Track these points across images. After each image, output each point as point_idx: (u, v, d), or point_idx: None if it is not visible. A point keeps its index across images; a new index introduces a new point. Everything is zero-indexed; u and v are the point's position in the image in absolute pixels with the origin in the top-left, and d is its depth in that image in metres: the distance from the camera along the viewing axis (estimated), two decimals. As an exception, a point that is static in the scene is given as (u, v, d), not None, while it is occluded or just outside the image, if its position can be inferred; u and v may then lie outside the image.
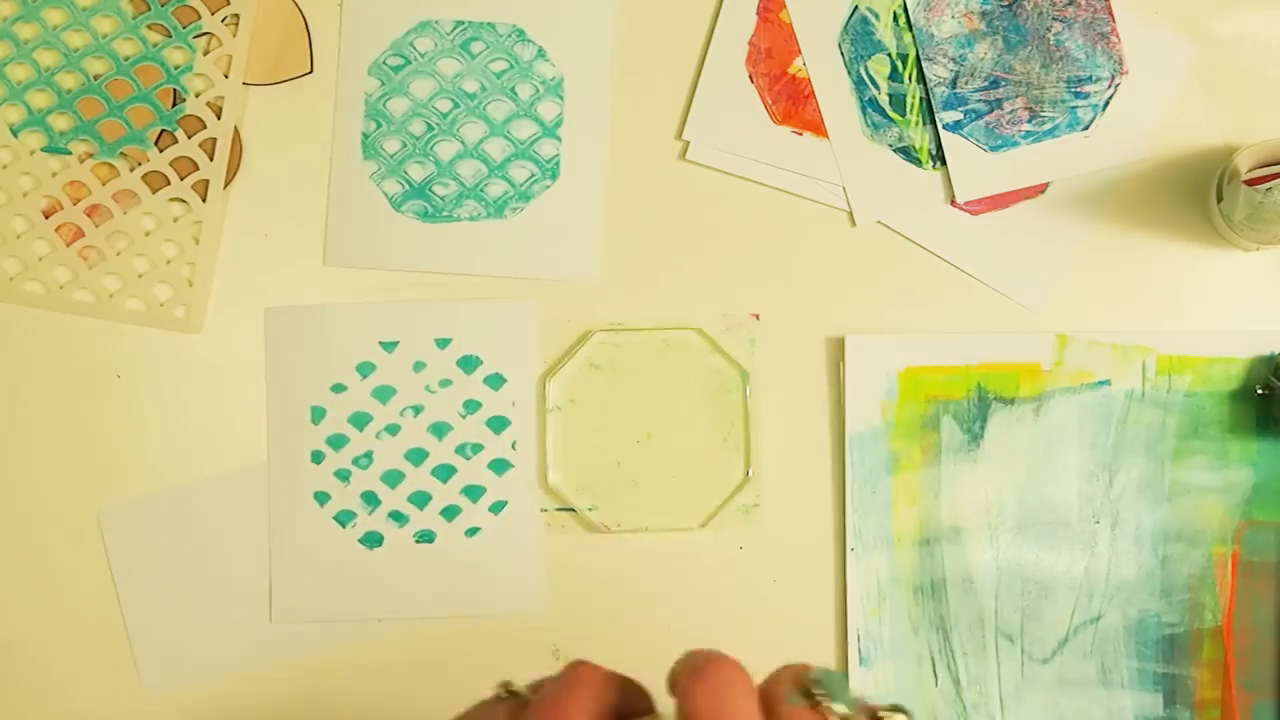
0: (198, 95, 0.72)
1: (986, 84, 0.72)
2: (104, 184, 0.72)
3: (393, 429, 0.71)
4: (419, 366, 0.72)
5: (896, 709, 0.48)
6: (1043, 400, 0.71)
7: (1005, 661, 0.70)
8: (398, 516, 0.71)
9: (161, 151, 0.72)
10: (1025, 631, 0.70)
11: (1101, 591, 0.70)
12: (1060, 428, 0.70)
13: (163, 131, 0.72)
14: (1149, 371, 0.70)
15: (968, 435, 0.71)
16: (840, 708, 0.49)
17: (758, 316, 0.72)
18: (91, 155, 0.72)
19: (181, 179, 0.72)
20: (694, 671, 0.47)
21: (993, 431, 0.71)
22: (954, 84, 0.72)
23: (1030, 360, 0.71)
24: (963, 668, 0.70)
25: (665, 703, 0.49)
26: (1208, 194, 0.70)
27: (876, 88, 0.72)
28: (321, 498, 0.71)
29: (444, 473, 0.71)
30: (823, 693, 0.49)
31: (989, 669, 0.70)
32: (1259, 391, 0.70)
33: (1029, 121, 0.72)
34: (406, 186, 0.73)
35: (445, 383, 0.72)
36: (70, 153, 0.72)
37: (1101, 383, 0.71)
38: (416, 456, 0.71)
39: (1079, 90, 0.71)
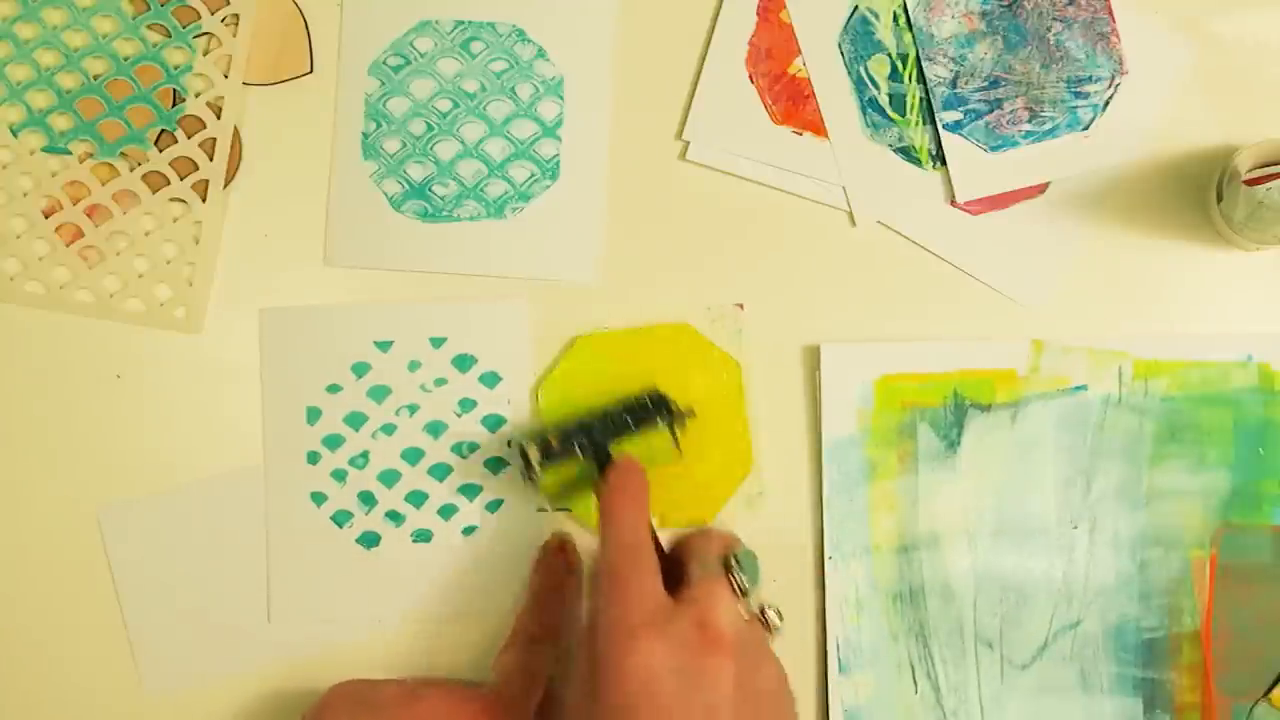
0: (198, 95, 0.73)
1: (986, 84, 0.71)
2: (104, 184, 0.72)
3: (389, 429, 0.71)
4: (414, 366, 0.72)
5: (778, 613, 0.59)
6: (1019, 406, 0.70)
7: (985, 668, 0.70)
8: (395, 516, 0.71)
9: (161, 151, 0.72)
10: (1004, 638, 0.70)
11: (1080, 597, 0.70)
12: (1037, 434, 0.70)
13: (163, 131, 0.72)
14: (1125, 376, 0.70)
15: (944, 442, 0.70)
16: (750, 592, 0.59)
17: (742, 306, 0.72)
18: (91, 155, 0.72)
19: (181, 179, 0.72)
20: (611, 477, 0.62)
21: (969, 438, 0.70)
22: (954, 84, 0.71)
23: (1006, 366, 0.70)
24: (942, 675, 0.70)
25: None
26: (1208, 194, 0.70)
27: (876, 88, 0.72)
28: (318, 498, 0.71)
29: (440, 472, 0.71)
30: (741, 574, 0.56)
31: (969, 676, 0.70)
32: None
33: (1029, 121, 0.71)
34: (406, 186, 0.73)
35: (440, 382, 0.72)
36: (70, 153, 0.72)
37: (1078, 388, 0.70)
38: (413, 456, 0.71)
39: (1079, 90, 0.71)
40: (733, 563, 0.59)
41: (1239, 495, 0.70)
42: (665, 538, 0.63)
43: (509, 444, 0.67)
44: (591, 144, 0.73)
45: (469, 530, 0.71)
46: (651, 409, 0.67)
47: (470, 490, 0.71)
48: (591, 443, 0.66)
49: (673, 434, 0.67)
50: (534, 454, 0.65)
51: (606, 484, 0.62)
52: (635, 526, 0.60)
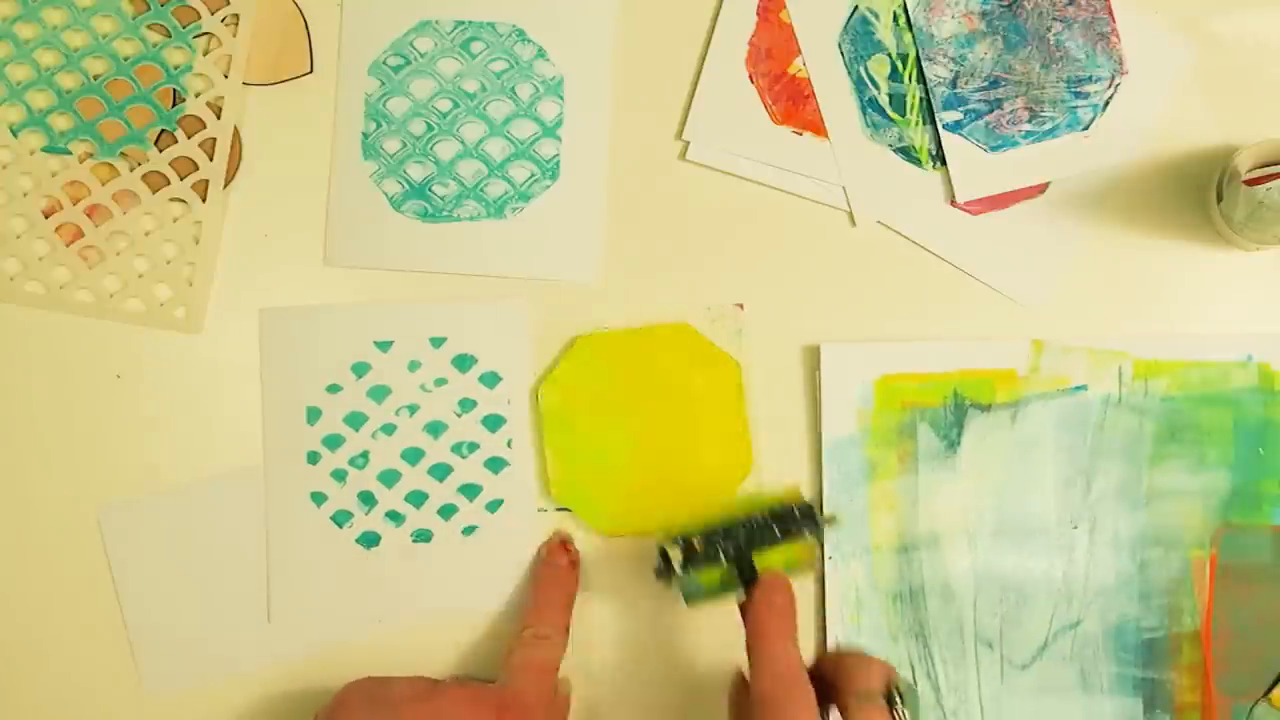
0: (198, 95, 0.73)
1: (986, 84, 0.71)
2: (104, 184, 0.72)
3: (389, 429, 0.71)
4: (414, 366, 0.72)
5: None
6: (1019, 406, 0.70)
7: (985, 668, 0.70)
8: (395, 516, 0.71)
9: (161, 151, 0.72)
10: (1004, 638, 0.70)
11: (1080, 597, 0.70)
12: (1037, 434, 0.70)
13: (162, 131, 0.72)
14: (1125, 376, 0.70)
15: (944, 442, 0.70)
16: None
17: (742, 306, 0.72)
18: (91, 155, 0.72)
19: (181, 179, 0.72)
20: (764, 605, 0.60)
21: (969, 438, 0.70)
22: (954, 84, 0.71)
23: (1006, 366, 0.70)
24: (942, 675, 0.70)
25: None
26: (1208, 194, 0.70)
27: (876, 88, 0.72)
28: (318, 498, 0.71)
29: (440, 472, 0.71)
30: (904, 709, 0.55)
31: (969, 676, 0.70)
32: None
33: (1029, 121, 0.71)
34: (406, 186, 0.73)
35: (440, 382, 0.72)
36: (70, 153, 0.72)
37: (1078, 388, 0.70)
38: (413, 456, 0.71)
39: (1079, 90, 0.71)
40: (895, 697, 0.57)
41: (1239, 495, 0.70)
42: (810, 655, 0.61)
43: (659, 550, 0.64)
44: (591, 144, 0.73)
45: (469, 530, 0.71)
46: (799, 520, 0.65)
47: (470, 490, 0.71)
48: (735, 550, 0.64)
49: (821, 547, 0.68)
50: (676, 556, 0.63)
51: (755, 602, 0.61)
52: (788, 651, 0.59)
